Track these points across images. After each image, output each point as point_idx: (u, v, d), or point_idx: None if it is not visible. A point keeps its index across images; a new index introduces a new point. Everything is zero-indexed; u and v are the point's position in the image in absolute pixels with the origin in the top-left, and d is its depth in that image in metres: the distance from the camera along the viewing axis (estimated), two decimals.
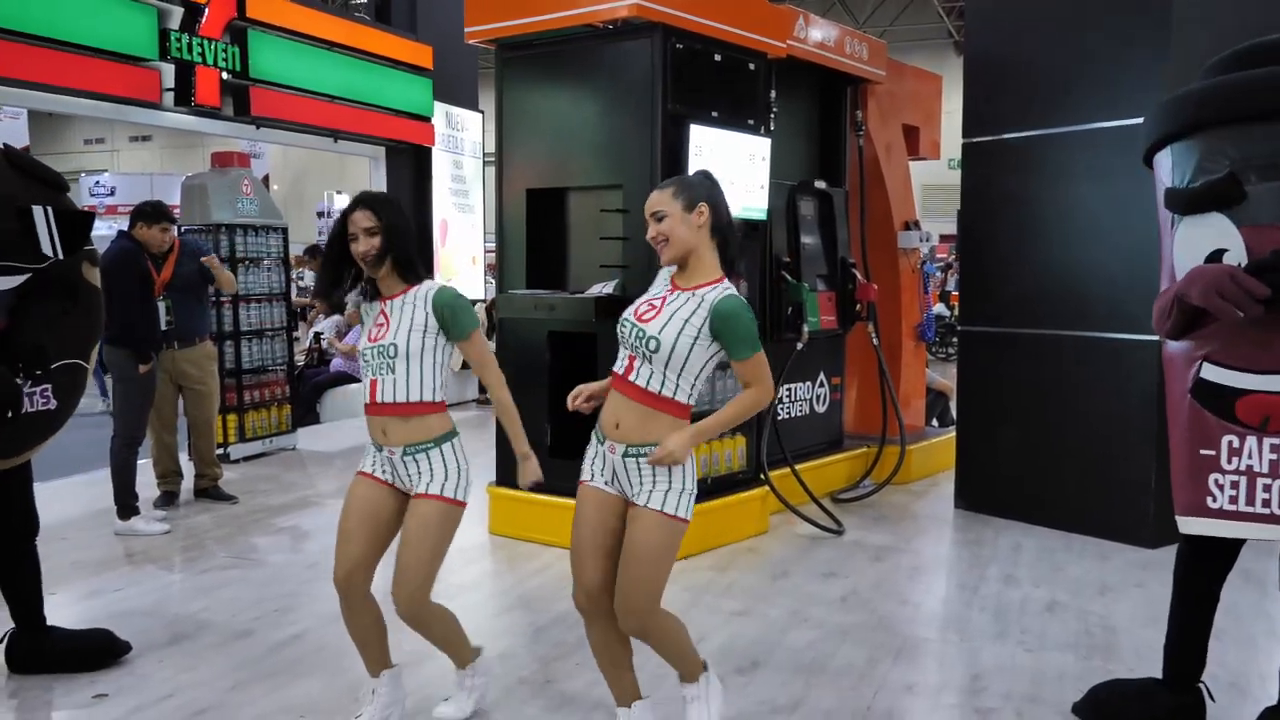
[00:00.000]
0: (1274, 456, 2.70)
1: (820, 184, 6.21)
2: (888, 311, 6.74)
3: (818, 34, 5.94)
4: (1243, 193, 2.68)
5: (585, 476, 2.76)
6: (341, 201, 17.05)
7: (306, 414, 8.73)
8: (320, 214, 18.20)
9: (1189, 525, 2.87)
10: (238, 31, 7.79)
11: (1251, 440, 2.72)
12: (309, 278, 13.15)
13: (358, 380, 8.89)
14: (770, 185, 5.40)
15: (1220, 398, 2.76)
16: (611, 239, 4.94)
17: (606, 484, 2.71)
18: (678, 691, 2.86)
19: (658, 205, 2.67)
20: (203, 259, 5.66)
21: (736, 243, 2.75)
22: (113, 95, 7.07)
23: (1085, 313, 5.21)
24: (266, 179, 18.70)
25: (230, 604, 4.25)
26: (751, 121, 5.30)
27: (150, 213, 5.47)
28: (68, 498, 5.97)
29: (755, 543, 5.19)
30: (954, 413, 6.91)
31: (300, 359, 9.43)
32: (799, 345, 5.72)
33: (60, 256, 3.28)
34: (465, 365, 3.41)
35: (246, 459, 7.17)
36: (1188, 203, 2.80)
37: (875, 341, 6.33)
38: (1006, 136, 5.58)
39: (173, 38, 7.21)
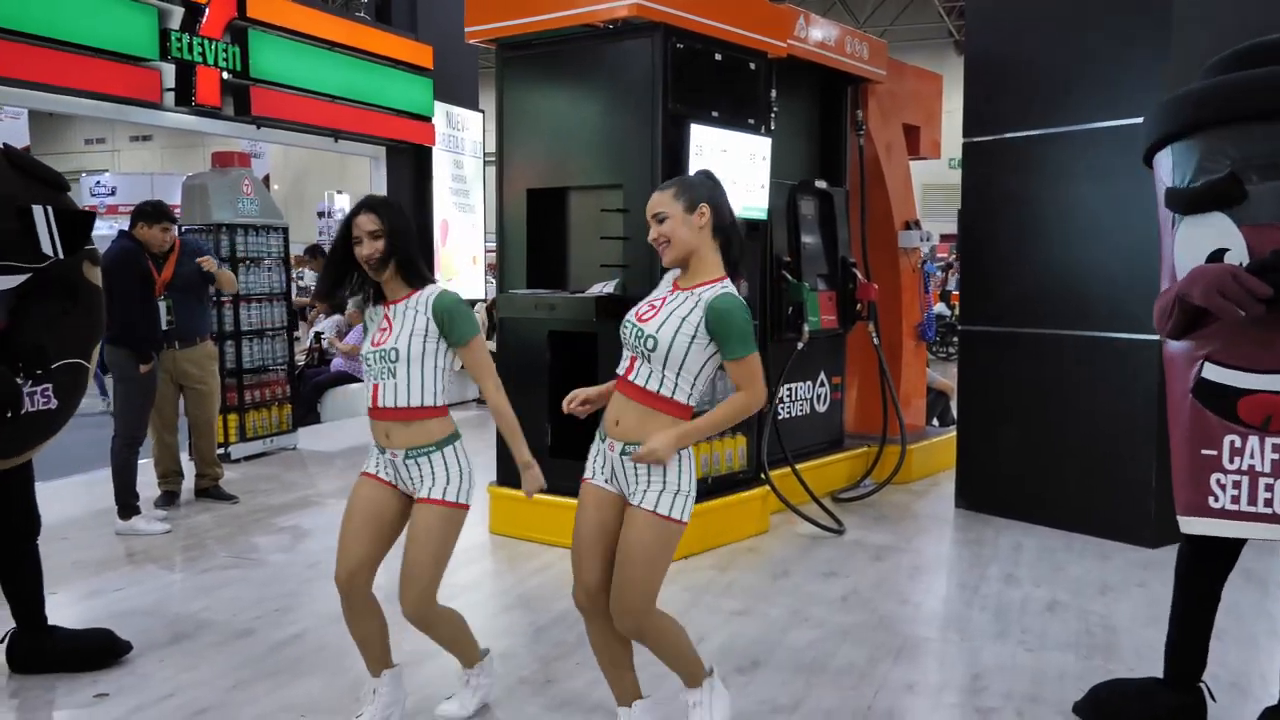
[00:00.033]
0: (1276, 456, 2.70)
1: (821, 183, 6.21)
2: (888, 311, 6.74)
3: (818, 33, 5.94)
4: (1244, 192, 2.68)
5: (587, 474, 2.77)
6: (342, 201, 17.07)
7: (307, 414, 8.74)
8: (321, 214, 18.18)
9: (1191, 525, 2.87)
10: (238, 31, 7.79)
11: (1253, 440, 2.72)
12: (309, 277, 13.14)
13: (358, 380, 8.91)
14: (771, 185, 5.40)
15: (1222, 397, 2.76)
16: (612, 239, 4.94)
17: (606, 482, 2.72)
18: (680, 694, 2.84)
19: (659, 207, 2.66)
20: (198, 260, 5.64)
21: (739, 242, 2.74)
22: (113, 95, 7.07)
23: (1086, 312, 5.21)
24: (267, 179, 18.70)
25: (231, 603, 4.25)
26: (752, 121, 5.30)
27: (151, 212, 5.47)
28: (69, 497, 5.97)
29: (756, 542, 5.19)
30: (954, 412, 6.91)
31: (301, 359, 9.43)
32: (799, 345, 5.73)
33: (61, 256, 3.28)
34: None
35: (247, 459, 7.17)
36: (1189, 202, 2.79)
37: (876, 341, 6.33)
38: (1007, 136, 5.58)
39: (173, 37, 7.21)
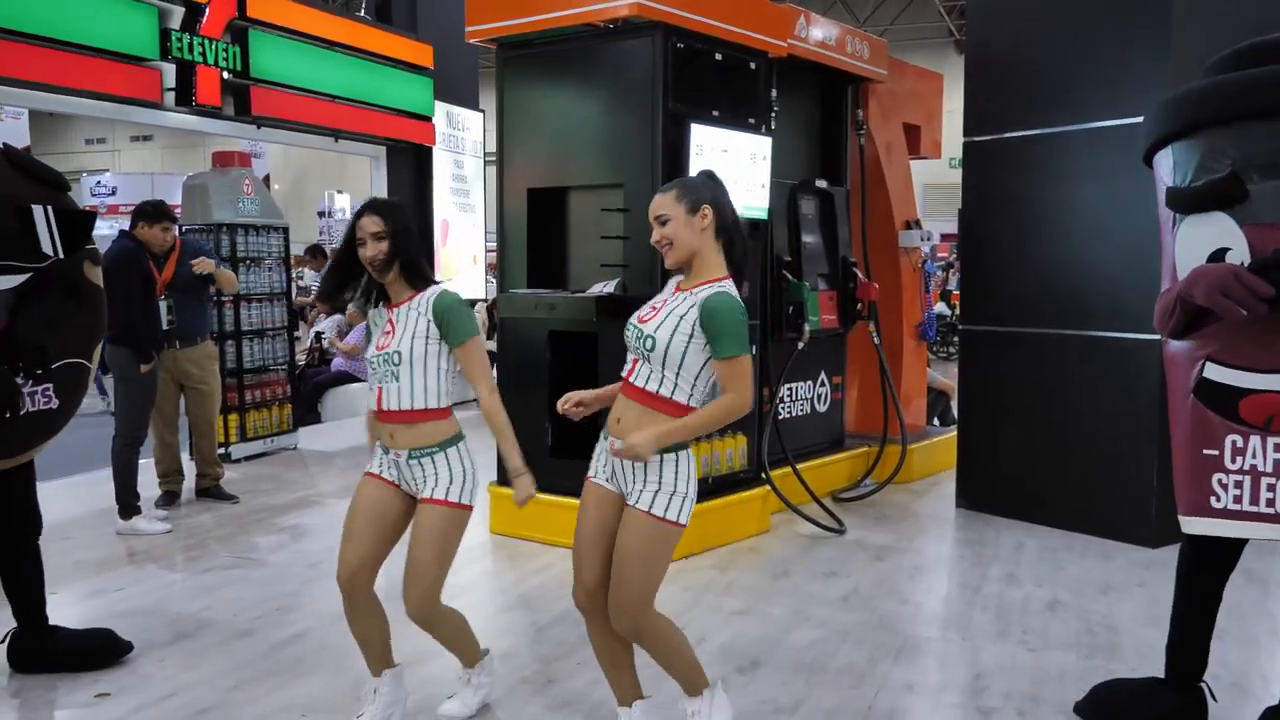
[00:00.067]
0: (1278, 456, 2.69)
1: (821, 183, 6.21)
2: (889, 311, 6.73)
3: (819, 33, 5.94)
4: (1245, 191, 2.67)
5: (591, 473, 2.77)
6: (342, 201, 17.06)
7: (308, 413, 8.74)
8: (321, 214, 18.18)
9: (1192, 525, 2.87)
10: (238, 31, 7.79)
11: (1255, 440, 2.72)
12: (309, 277, 13.14)
13: (359, 380, 8.91)
14: (771, 184, 5.39)
15: (1224, 397, 2.76)
16: (612, 238, 4.94)
17: (607, 481, 2.72)
18: (680, 701, 2.82)
19: (661, 209, 2.66)
20: (192, 264, 5.60)
21: (743, 243, 2.72)
22: (114, 95, 7.07)
23: (1087, 312, 5.21)
24: (267, 179, 18.70)
25: (232, 603, 4.25)
26: (752, 120, 5.30)
27: (151, 212, 5.47)
28: (69, 497, 5.97)
29: (756, 542, 5.19)
30: (955, 412, 6.91)
31: (301, 358, 9.43)
32: (800, 344, 5.73)
33: (61, 256, 3.28)
34: None
35: (248, 458, 7.17)
36: (1190, 202, 2.79)
37: (876, 341, 6.32)
38: (1007, 135, 5.58)
39: (174, 37, 7.21)
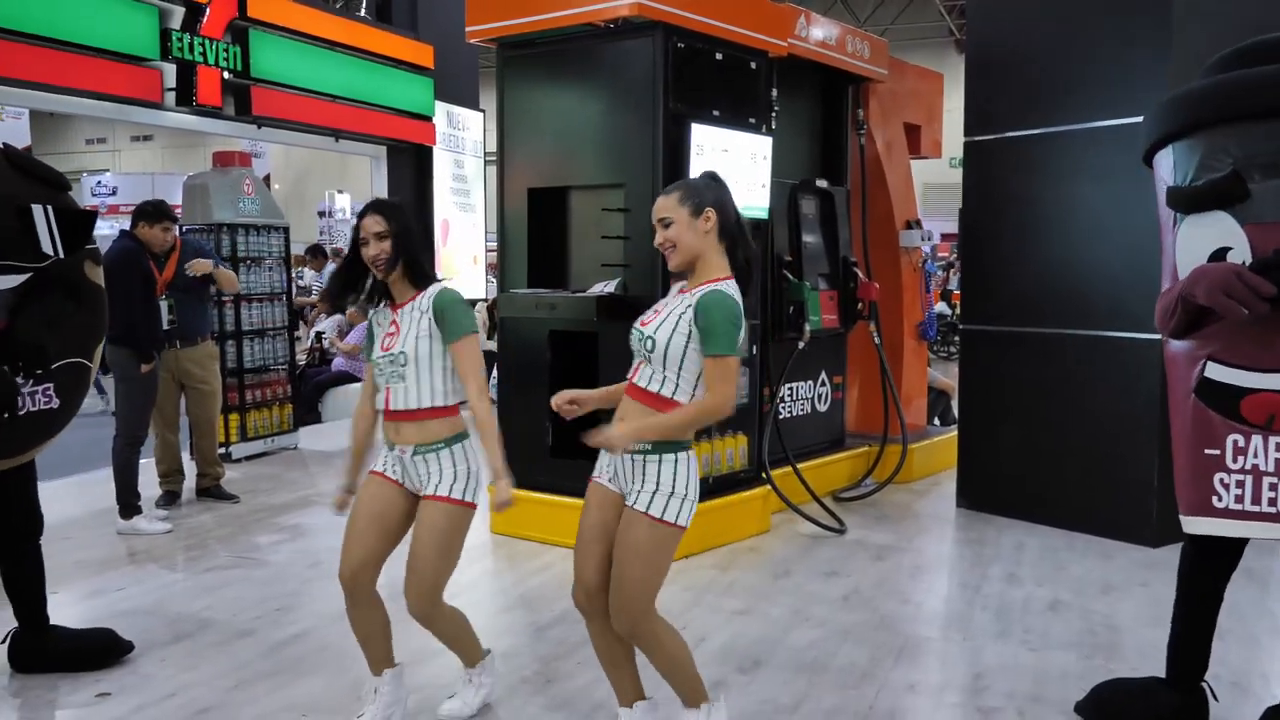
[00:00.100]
0: (1279, 455, 2.69)
1: (822, 183, 6.21)
2: (889, 310, 6.73)
3: (819, 32, 5.94)
4: (1246, 191, 2.67)
5: (595, 473, 2.77)
6: (343, 201, 17.07)
7: (308, 413, 8.74)
8: (321, 213, 18.19)
9: (1194, 525, 2.86)
10: (239, 31, 7.79)
11: (1257, 439, 2.72)
12: (309, 276, 13.14)
13: (359, 380, 8.90)
14: (772, 184, 5.39)
15: (1225, 397, 2.76)
16: (613, 238, 4.94)
17: (609, 481, 2.72)
18: (679, 714, 2.79)
19: (664, 211, 2.65)
20: (186, 267, 5.59)
21: (746, 244, 2.71)
22: (114, 95, 7.07)
23: (1087, 311, 5.21)
24: (268, 178, 18.70)
25: (232, 603, 4.25)
26: (753, 120, 5.30)
27: (152, 212, 5.47)
28: (70, 497, 5.97)
29: (757, 542, 5.19)
30: (955, 411, 6.91)
31: (302, 358, 9.43)
32: (801, 344, 5.73)
33: (61, 255, 3.28)
34: None
35: (248, 458, 7.17)
36: (1190, 201, 2.79)
37: (877, 340, 6.32)
38: (1008, 135, 5.58)
39: (174, 37, 7.21)
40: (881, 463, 6.29)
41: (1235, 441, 2.75)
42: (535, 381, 5.12)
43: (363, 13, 10.30)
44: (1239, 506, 2.75)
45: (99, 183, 22.08)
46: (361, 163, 10.84)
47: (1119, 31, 5.08)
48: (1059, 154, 5.34)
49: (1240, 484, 2.74)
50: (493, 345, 7.67)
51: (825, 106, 6.46)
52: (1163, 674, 3.10)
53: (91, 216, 3.51)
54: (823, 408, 6.36)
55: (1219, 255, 2.73)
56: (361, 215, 2.93)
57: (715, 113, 5.05)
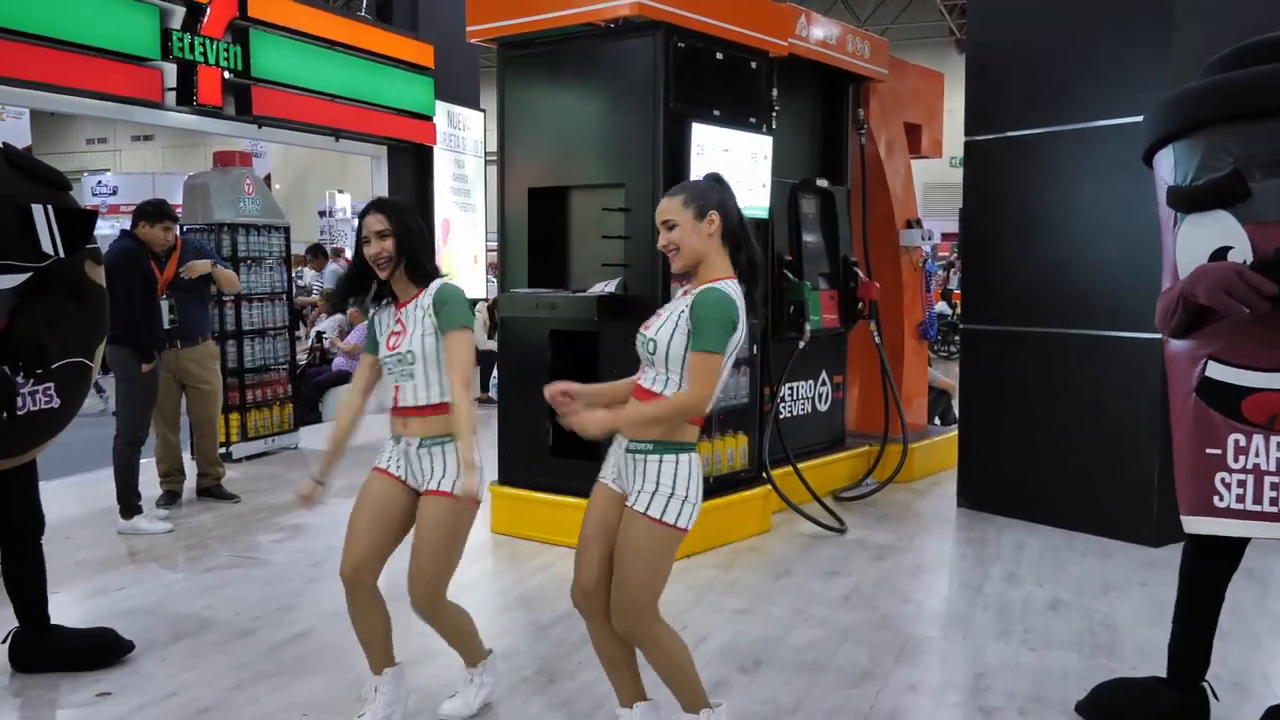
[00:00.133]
0: None
1: (822, 182, 6.21)
2: (890, 310, 6.73)
3: (819, 32, 5.94)
4: (1247, 190, 2.67)
5: (602, 474, 2.77)
6: (343, 201, 17.08)
7: (308, 413, 8.74)
8: (322, 213, 18.21)
9: (1195, 525, 2.86)
10: (239, 31, 7.79)
11: (1258, 439, 2.72)
12: (309, 276, 13.15)
13: None
14: (772, 183, 5.39)
15: (1226, 396, 2.76)
16: (613, 238, 4.94)
17: (613, 482, 2.72)
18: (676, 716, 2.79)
19: (668, 214, 2.64)
20: (181, 271, 5.58)
21: (749, 245, 2.69)
22: (115, 95, 7.07)
23: (1088, 310, 5.21)
24: (268, 178, 18.71)
25: (233, 603, 4.25)
26: (753, 120, 5.30)
27: (152, 212, 5.48)
28: (70, 497, 5.97)
29: (757, 541, 5.19)
30: (956, 411, 6.91)
31: (302, 358, 9.43)
32: (801, 344, 5.72)
33: (61, 255, 3.28)
34: (476, 361, 3.32)
35: (249, 458, 7.17)
36: (1191, 200, 2.79)
37: (877, 340, 6.32)
38: (1008, 134, 5.58)
39: (175, 37, 7.21)
40: (882, 462, 6.29)
41: (1236, 441, 2.74)
42: (536, 381, 5.05)
43: (363, 12, 10.29)
44: (1240, 506, 2.75)
45: (100, 182, 22.09)
46: (362, 162, 10.84)
47: (1119, 31, 5.08)
48: (1059, 154, 5.34)
49: (1241, 484, 2.74)
50: (493, 345, 7.67)
51: (826, 106, 6.46)
52: (1163, 674, 3.10)
53: (92, 216, 3.51)
54: (823, 407, 6.36)
55: (1220, 254, 2.72)
56: (363, 214, 2.94)
57: (716, 112, 5.04)
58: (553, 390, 2.73)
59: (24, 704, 3.33)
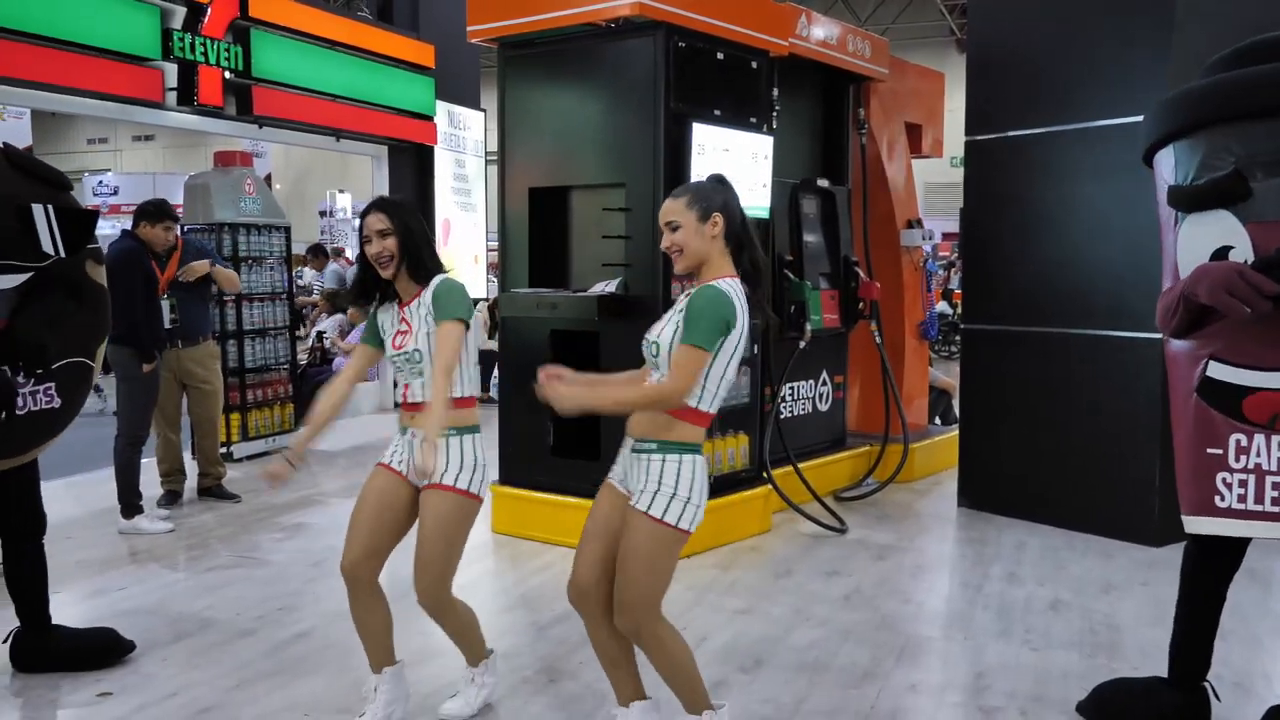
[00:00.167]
0: None
1: (823, 182, 6.21)
2: (890, 310, 6.73)
3: (820, 32, 5.94)
4: (1248, 189, 2.67)
5: (610, 474, 2.77)
6: (344, 200, 17.07)
7: (309, 413, 8.73)
8: (323, 213, 18.20)
9: (1197, 525, 2.86)
10: (240, 31, 7.79)
11: (1259, 438, 2.72)
12: (309, 276, 13.15)
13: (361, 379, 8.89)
14: (773, 183, 5.39)
15: (1227, 396, 2.75)
16: (614, 237, 4.94)
17: (619, 482, 2.72)
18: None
19: (671, 215, 2.64)
20: (180, 273, 5.57)
21: (753, 247, 2.68)
22: (116, 95, 7.06)
23: (1089, 310, 5.21)
24: (269, 178, 18.70)
25: (234, 602, 4.25)
26: (754, 120, 5.30)
27: (153, 212, 5.48)
28: (71, 497, 5.98)
29: (758, 541, 5.19)
30: (956, 411, 6.91)
31: (303, 358, 9.43)
32: (802, 344, 5.72)
33: (62, 255, 3.28)
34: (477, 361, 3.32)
35: (250, 458, 7.17)
36: (1192, 200, 2.79)
37: (878, 340, 6.32)
38: (1009, 134, 5.58)
39: (175, 37, 7.20)
40: (883, 462, 6.28)
41: (1238, 441, 2.74)
42: (536, 381, 5.10)
43: (364, 12, 10.28)
44: (1242, 506, 2.75)
45: (100, 182, 22.08)
46: (363, 162, 10.84)
47: (1119, 31, 5.08)
48: (1060, 153, 5.34)
49: (1243, 483, 2.74)
50: (494, 344, 7.67)
51: (826, 106, 6.46)
52: (1164, 674, 3.10)
53: (93, 216, 3.51)
54: (824, 407, 6.35)
55: (1221, 254, 2.72)
56: (365, 214, 2.94)
57: (716, 112, 5.04)
58: (546, 373, 2.71)
59: (25, 704, 3.33)
